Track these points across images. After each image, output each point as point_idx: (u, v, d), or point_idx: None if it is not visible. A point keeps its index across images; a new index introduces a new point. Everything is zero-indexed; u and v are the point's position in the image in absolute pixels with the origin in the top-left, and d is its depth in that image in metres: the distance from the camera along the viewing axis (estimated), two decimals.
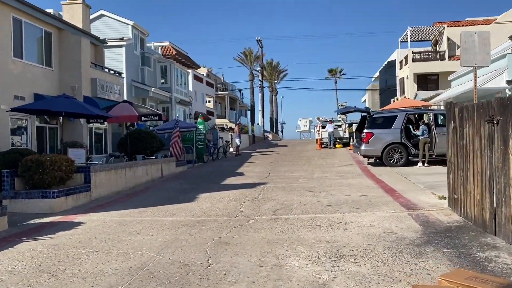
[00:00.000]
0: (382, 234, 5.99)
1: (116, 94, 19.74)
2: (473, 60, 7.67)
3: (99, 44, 20.42)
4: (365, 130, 14.96)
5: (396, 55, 45.61)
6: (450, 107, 7.00)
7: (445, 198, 8.05)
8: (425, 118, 15.15)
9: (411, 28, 33.71)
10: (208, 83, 41.30)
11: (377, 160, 16.11)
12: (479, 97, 17.54)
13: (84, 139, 16.73)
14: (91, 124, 17.12)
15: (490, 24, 32.65)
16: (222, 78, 53.37)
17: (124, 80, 23.88)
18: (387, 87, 48.59)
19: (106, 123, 17.78)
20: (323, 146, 27.81)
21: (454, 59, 32.22)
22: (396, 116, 14.93)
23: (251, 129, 36.38)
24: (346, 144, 27.55)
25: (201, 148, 19.35)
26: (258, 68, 48.32)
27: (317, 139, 28.31)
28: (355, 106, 18.08)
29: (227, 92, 50.02)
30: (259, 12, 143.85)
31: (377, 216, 7.20)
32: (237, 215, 7.89)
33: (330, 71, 67.30)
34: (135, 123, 20.28)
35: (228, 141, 23.40)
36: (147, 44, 31.52)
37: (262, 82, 48.08)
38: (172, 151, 16.29)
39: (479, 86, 16.13)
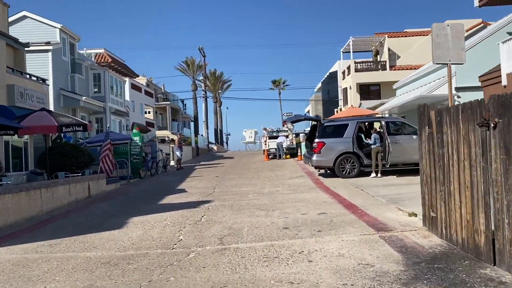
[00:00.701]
0: (357, 267, 4.79)
1: (39, 103, 17.39)
2: (446, 56, 6.85)
3: (19, 47, 18.00)
4: (316, 140, 14.01)
5: (338, 66, 46.19)
6: (423, 110, 6.02)
7: (415, 215, 7.08)
8: (376, 126, 14.50)
9: (353, 38, 33.95)
10: (147, 93, 39.11)
11: (328, 171, 15.24)
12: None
13: None
14: (7, 136, 14.77)
15: (427, 35, 33.72)
16: (163, 88, 51.17)
17: (51, 88, 21.45)
18: (330, 97, 49.01)
19: (25, 136, 15.49)
20: (270, 157, 26.82)
21: (395, 69, 32.81)
22: (347, 124, 14.12)
23: (195, 141, 34.69)
24: (293, 155, 26.76)
25: (137, 163, 17.47)
26: (201, 78, 46.91)
27: (264, 150, 27.28)
28: (305, 114, 17.15)
29: (168, 102, 47.89)
30: (202, 23, 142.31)
31: (344, 240, 6.02)
32: (175, 245, 6.38)
33: (274, 82, 67.29)
34: (61, 135, 18.10)
35: (169, 154, 21.65)
36: (80, 51, 29.07)
37: (205, 92, 46.59)
38: (102, 167, 14.36)
39: (427, 93, 15.84)
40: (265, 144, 27.28)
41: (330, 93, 48.94)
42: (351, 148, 13.84)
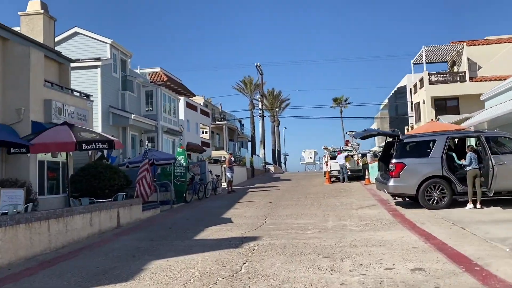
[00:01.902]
0: None
1: (80, 120, 16.15)
2: None
3: (63, 61, 17.06)
4: (394, 160, 11.15)
5: (407, 80, 42.49)
6: None
7: None
8: (471, 142, 11.40)
9: (426, 48, 30.46)
10: (203, 112, 37.96)
11: (407, 199, 12.26)
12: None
13: (31, 175, 13.04)
14: (43, 155, 13.50)
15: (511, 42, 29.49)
16: (220, 108, 50.16)
17: (99, 105, 20.49)
18: (398, 115, 45.07)
19: (63, 154, 14.18)
20: (332, 180, 23.97)
21: (476, 81, 28.82)
22: (435, 140, 11.14)
23: (250, 161, 32.61)
24: (360, 178, 23.74)
25: (181, 185, 15.54)
26: (258, 96, 45.15)
27: (325, 172, 24.48)
28: (378, 129, 14.25)
29: (225, 122, 46.63)
30: (260, 39, 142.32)
31: None
32: None
33: (335, 100, 64.33)
34: (105, 154, 16.72)
35: (219, 176, 19.64)
36: (135, 70, 28.47)
37: (262, 111, 44.74)
38: (138, 190, 12.48)
39: None
40: (326, 165, 24.46)
41: (398, 110, 45.07)
42: (440, 171, 10.83)
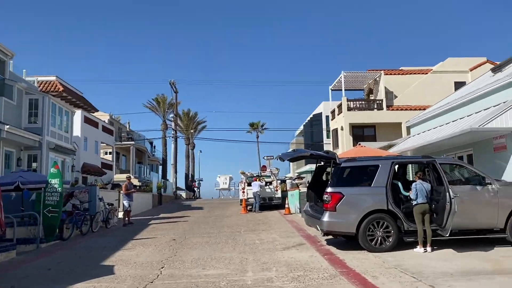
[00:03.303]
0: None
1: None
2: None
3: None
4: (329, 189, 8.85)
5: (323, 108, 42.27)
6: None
7: None
8: (414, 170, 9.57)
9: (345, 73, 29.95)
10: (106, 129, 33.60)
11: (339, 237, 10.00)
12: (473, 140, 12.56)
13: None
14: None
15: (426, 73, 30.15)
16: (127, 126, 45.68)
17: None
18: (314, 142, 44.55)
19: None
20: (249, 208, 21.48)
21: (393, 109, 28.73)
22: (378, 166, 9.10)
23: (157, 186, 28.97)
24: (278, 206, 21.58)
25: (53, 217, 11.76)
26: (172, 115, 41.80)
27: (241, 200, 21.93)
28: (310, 149, 11.95)
29: (132, 142, 42.26)
30: (174, 57, 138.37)
31: None
32: None
33: (251, 125, 62.82)
34: None
35: (113, 204, 15.97)
36: (25, 77, 23.96)
37: (175, 131, 41.37)
38: None
39: (479, 126, 11.21)
40: (243, 192, 21.95)
41: (314, 137, 44.54)
42: (384, 204, 8.75)
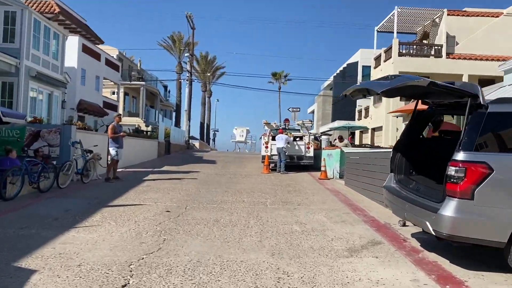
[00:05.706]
0: None
1: None
2: None
3: None
4: (461, 155, 4.44)
5: (359, 56, 37.01)
6: None
7: None
8: None
9: (398, 9, 24.53)
10: (110, 64, 29.27)
11: (442, 242, 5.60)
12: None
13: None
14: None
15: (498, 16, 24.52)
16: (138, 65, 41.29)
17: None
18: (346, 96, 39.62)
19: None
20: (271, 166, 17.36)
21: (454, 58, 23.53)
22: None
23: (164, 133, 24.94)
24: (307, 167, 17.40)
25: None
26: (187, 54, 37.16)
27: (263, 156, 17.73)
28: (428, 78, 6.87)
29: (143, 83, 38.02)
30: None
31: None
32: None
33: (274, 74, 57.73)
34: None
35: (91, 152, 11.82)
36: None
37: (190, 73, 36.87)
38: None
39: None
40: (267, 147, 17.69)
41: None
42: None
